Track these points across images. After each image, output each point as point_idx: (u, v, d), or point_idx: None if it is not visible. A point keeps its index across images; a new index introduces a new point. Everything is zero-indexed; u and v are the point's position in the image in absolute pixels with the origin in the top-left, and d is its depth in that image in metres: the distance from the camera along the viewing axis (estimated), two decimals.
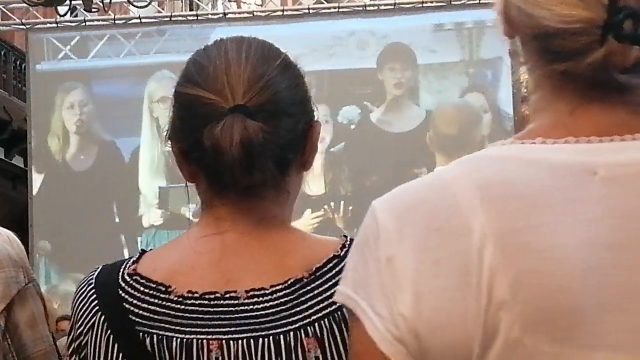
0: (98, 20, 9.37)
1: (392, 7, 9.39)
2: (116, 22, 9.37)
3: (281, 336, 1.17)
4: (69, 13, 8.70)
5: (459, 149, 9.42)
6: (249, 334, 1.17)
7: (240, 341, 1.17)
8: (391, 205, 0.91)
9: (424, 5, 9.38)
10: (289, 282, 1.19)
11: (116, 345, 1.20)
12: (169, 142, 1.27)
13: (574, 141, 0.88)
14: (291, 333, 1.17)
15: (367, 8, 9.47)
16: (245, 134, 1.15)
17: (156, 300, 1.20)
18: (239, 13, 10.37)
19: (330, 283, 1.19)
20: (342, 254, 1.22)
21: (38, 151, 9.52)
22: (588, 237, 0.84)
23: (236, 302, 1.18)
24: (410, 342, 0.87)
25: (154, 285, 1.21)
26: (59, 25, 9.36)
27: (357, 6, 9.58)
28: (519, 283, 0.84)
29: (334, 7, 9.66)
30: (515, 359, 0.84)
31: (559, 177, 0.87)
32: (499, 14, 0.96)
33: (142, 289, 1.21)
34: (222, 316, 1.18)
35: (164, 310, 1.19)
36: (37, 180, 9.49)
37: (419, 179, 0.92)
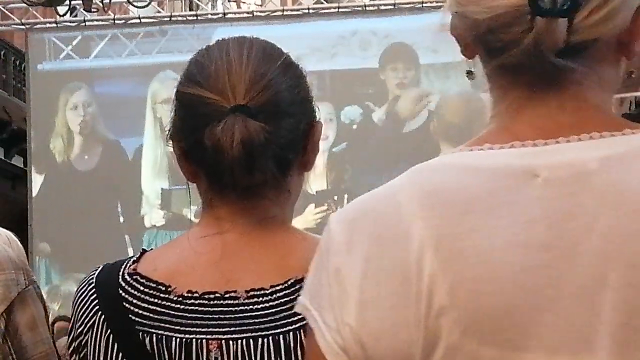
0: (98, 20, 9.37)
1: (392, 7, 9.40)
2: (116, 22, 9.38)
3: (281, 336, 1.17)
4: (68, 13, 8.69)
5: (465, 139, 9.66)
6: (248, 334, 1.17)
7: (239, 341, 1.17)
8: (343, 217, 0.93)
9: (424, 5, 9.38)
10: (289, 283, 1.19)
11: (116, 345, 1.20)
12: (171, 142, 1.27)
13: (519, 145, 0.89)
14: (291, 333, 1.17)
15: (367, 8, 9.47)
16: (246, 134, 1.15)
17: (156, 300, 1.20)
18: (239, 13, 10.37)
19: None
20: None
21: (38, 151, 9.53)
22: (523, 238, 0.85)
23: (236, 302, 1.18)
24: (355, 352, 0.88)
25: (154, 285, 1.21)
26: (58, 25, 9.36)
27: (357, 6, 9.59)
28: (456, 288, 0.84)
29: (334, 7, 9.66)
30: None
31: (499, 181, 0.87)
32: (452, 34, 0.97)
33: (142, 288, 1.21)
34: (222, 316, 1.18)
35: (163, 310, 1.19)
36: (37, 180, 9.48)
37: (373, 190, 0.94)
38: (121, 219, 9.62)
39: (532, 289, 0.84)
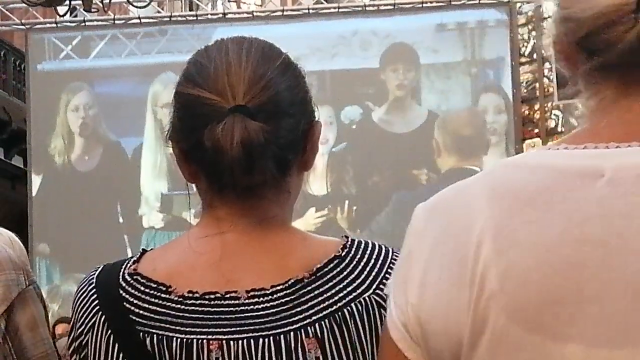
0: (98, 20, 9.37)
1: (392, 7, 9.39)
2: (116, 22, 9.38)
3: (281, 336, 1.17)
4: (68, 13, 8.69)
5: (470, 151, 9.41)
6: (249, 334, 1.17)
7: (240, 341, 1.17)
8: (424, 206, 0.99)
9: (424, 5, 9.39)
10: (290, 283, 1.19)
11: (116, 345, 1.20)
12: (170, 142, 1.26)
13: (592, 147, 0.92)
14: (291, 333, 1.17)
15: (367, 8, 9.47)
16: (246, 135, 1.15)
17: (157, 300, 1.20)
18: (239, 13, 10.37)
19: (331, 283, 1.20)
20: (342, 254, 1.22)
21: (37, 152, 9.50)
22: (577, 233, 0.87)
23: (237, 302, 1.18)
24: (414, 330, 0.93)
25: (155, 285, 1.21)
26: (58, 25, 9.35)
27: (357, 6, 9.58)
28: (507, 275, 0.88)
29: (334, 7, 9.65)
30: (502, 348, 0.88)
31: (562, 179, 0.90)
32: (555, 50, 1.00)
33: (142, 288, 1.21)
34: (223, 316, 1.18)
35: (164, 310, 1.19)
36: (36, 181, 9.46)
37: (457, 182, 1.00)
38: (120, 220, 9.60)
39: (579, 281, 0.86)
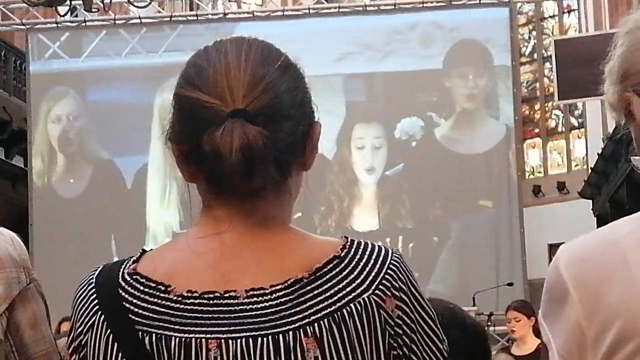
0: (98, 20, 9.36)
1: (393, 7, 9.31)
2: (116, 22, 9.36)
3: (280, 336, 1.17)
4: (69, 13, 8.67)
5: None
6: (248, 334, 1.18)
7: (239, 341, 1.17)
8: (571, 260, 1.06)
9: (424, 5, 9.28)
10: (289, 282, 1.19)
11: (115, 345, 1.20)
12: (169, 142, 1.27)
13: None
14: (290, 333, 1.17)
15: (368, 8, 9.42)
16: (245, 140, 1.16)
17: (156, 300, 1.20)
18: (239, 13, 10.37)
19: (330, 283, 1.20)
20: (342, 255, 1.23)
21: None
22: None
23: (235, 301, 1.19)
24: None
25: (154, 285, 1.22)
26: (59, 25, 9.33)
27: (358, 6, 9.56)
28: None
29: (334, 7, 9.62)
30: None
31: None
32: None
33: (142, 288, 1.22)
34: (222, 316, 1.18)
35: (163, 309, 1.20)
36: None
37: (595, 232, 1.09)
38: (115, 258, 8.57)
39: None
